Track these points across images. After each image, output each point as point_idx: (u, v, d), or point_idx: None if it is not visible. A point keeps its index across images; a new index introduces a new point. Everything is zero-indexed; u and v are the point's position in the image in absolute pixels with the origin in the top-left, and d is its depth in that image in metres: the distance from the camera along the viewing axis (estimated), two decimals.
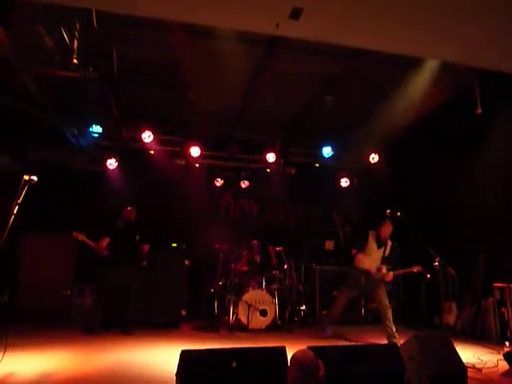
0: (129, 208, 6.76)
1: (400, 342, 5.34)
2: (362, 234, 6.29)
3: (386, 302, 5.98)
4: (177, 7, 3.63)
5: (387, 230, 6.13)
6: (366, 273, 6.09)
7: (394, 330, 5.80)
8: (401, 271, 6.17)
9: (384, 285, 6.13)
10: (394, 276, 6.09)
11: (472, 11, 3.71)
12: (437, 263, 5.40)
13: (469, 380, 3.60)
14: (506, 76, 4.80)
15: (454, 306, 6.79)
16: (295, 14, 3.60)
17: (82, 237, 6.31)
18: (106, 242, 6.50)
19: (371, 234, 6.21)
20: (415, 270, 6.06)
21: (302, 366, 2.49)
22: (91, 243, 6.42)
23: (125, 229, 6.64)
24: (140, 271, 6.64)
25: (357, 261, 6.22)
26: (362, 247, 6.20)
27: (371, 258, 6.15)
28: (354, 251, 6.31)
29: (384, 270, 6.06)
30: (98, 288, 6.84)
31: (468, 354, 5.00)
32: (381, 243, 6.17)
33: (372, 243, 6.18)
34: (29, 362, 4.49)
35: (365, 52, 5.21)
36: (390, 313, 5.88)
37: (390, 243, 6.22)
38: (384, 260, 6.14)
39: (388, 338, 5.79)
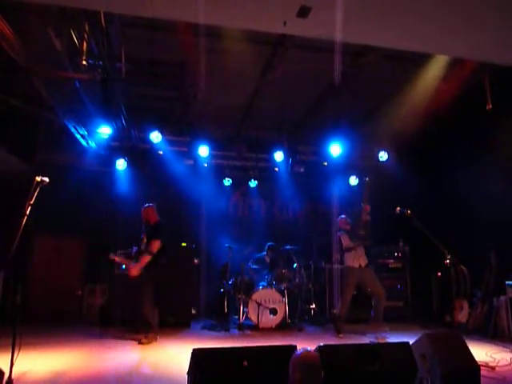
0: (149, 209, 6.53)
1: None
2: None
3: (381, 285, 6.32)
4: (184, 7, 3.63)
5: (341, 221, 6.80)
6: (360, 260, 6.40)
7: None
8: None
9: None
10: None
11: (481, 6, 3.68)
12: (448, 261, 5.36)
13: (482, 378, 3.57)
14: None
15: (465, 304, 6.74)
16: (303, 12, 3.60)
17: (118, 258, 6.25)
18: (157, 244, 5.89)
19: (340, 234, 6.68)
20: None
21: (302, 366, 2.51)
22: (126, 262, 6.28)
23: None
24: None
25: (348, 260, 6.48)
26: (346, 248, 6.55)
27: (356, 251, 6.46)
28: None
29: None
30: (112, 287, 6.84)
31: (480, 353, 4.96)
32: (352, 235, 6.57)
33: (346, 240, 6.57)
34: (42, 361, 4.56)
35: (372, 49, 5.19)
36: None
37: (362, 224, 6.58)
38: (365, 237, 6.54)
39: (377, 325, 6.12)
